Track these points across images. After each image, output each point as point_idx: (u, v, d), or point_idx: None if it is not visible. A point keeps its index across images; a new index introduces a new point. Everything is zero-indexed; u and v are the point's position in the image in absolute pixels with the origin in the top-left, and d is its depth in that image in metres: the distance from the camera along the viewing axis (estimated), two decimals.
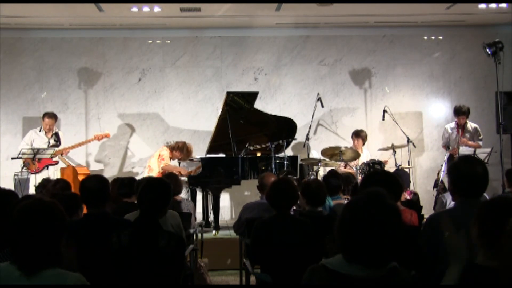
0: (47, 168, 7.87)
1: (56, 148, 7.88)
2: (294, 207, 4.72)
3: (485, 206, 2.11)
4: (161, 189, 3.37)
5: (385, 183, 3.05)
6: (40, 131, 8.12)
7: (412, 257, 2.85)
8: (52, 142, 8.03)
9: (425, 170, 9.34)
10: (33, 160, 7.62)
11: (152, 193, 3.30)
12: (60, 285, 2.15)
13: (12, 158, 7.74)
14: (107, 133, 8.36)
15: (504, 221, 1.97)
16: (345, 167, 8.02)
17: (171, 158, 7.77)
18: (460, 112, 8.17)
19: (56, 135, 8.14)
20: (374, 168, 7.56)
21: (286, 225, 3.77)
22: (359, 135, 8.43)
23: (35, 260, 2.14)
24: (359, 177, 7.31)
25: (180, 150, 7.76)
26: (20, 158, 7.63)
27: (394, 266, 2.00)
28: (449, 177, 3.36)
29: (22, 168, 7.82)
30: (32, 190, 7.48)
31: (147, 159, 8.13)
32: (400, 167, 7.84)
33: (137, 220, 3.34)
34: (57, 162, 7.98)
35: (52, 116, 8.12)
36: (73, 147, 8.10)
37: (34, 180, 7.57)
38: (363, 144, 8.48)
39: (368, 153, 8.51)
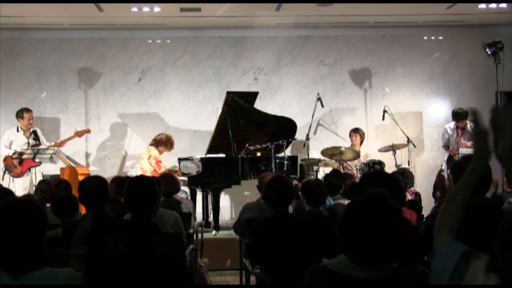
0: (30, 170, 7.68)
1: (56, 149, 7.85)
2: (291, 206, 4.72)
3: (468, 208, 2.10)
4: (146, 186, 3.29)
5: (384, 186, 2.96)
6: (17, 131, 7.90)
7: (413, 256, 2.86)
8: (32, 141, 7.83)
9: (425, 170, 9.33)
10: (15, 163, 7.54)
11: (138, 191, 3.25)
12: (55, 285, 2.12)
13: (13, 159, 7.73)
14: (87, 129, 8.20)
15: (484, 224, 2.00)
16: (342, 167, 7.97)
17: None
18: (458, 117, 8.16)
19: (35, 133, 7.94)
20: (374, 168, 7.53)
21: (284, 224, 3.75)
22: (357, 131, 8.43)
23: (20, 262, 2.09)
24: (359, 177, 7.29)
25: (165, 144, 7.91)
26: (20, 158, 7.61)
27: (395, 268, 2.00)
28: (453, 176, 3.36)
29: (4, 172, 7.63)
30: (18, 193, 7.42)
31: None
32: (400, 167, 7.82)
33: (131, 223, 3.30)
34: (39, 163, 7.77)
35: (30, 110, 7.99)
36: (55, 146, 7.95)
37: (30, 181, 7.54)
38: (361, 143, 8.47)
39: (366, 152, 8.43)
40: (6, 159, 7.69)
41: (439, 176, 5.06)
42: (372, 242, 1.92)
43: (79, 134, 8.07)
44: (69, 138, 8.05)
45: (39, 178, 7.45)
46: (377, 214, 1.94)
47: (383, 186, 2.81)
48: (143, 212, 3.21)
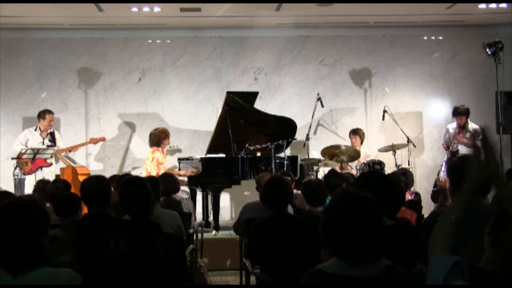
0: (41, 169, 7.72)
1: (56, 148, 7.85)
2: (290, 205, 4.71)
3: (504, 213, 2.11)
4: (139, 186, 3.31)
5: (380, 186, 2.85)
6: (35, 130, 7.98)
7: (413, 256, 2.85)
8: (47, 142, 7.89)
9: (425, 170, 9.33)
10: (26, 161, 7.56)
11: (132, 192, 3.25)
12: (55, 285, 2.12)
13: (12, 158, 7.71)
14: (103, 137, 8.25)
15: None
16: (341, 168, 7.96)
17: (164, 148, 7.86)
18: (457, 113, 8.16)
19: (52, 135, 8.00)
20: (374, 168, 7.52)
21: (284, 224, 3.76)
22: (357, 132, 8.42)
23: (20, 261, 2.09)
24: None
25: (166, 135, 7.78)
26: (21, 158, 7.61)
27: (390, 265, 2.03)
28: (450, 176, 3.32)
29: (15, 168, 7.68)
30: (28, 191, 7.45)
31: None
32: (400, 167, 7.82)
33: (131, 223, 3.30)
34: (50, 164, 7.84)
35: (52, 112, 8.07)
36: (68, 149, 8.01)
37: (34, 180, 7.56)
38: (361, 143, 8.47)
39: (366, 153, 8.43)
40: (19, 156, 7.73)
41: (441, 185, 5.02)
42: (355, 236, 1.96)
43: (94, 141, 8.13)
44: (83, 144, 8.15)
45: (50, 178, 7.47)
46: (350, 208, 2.01)
47: (379, 186, 2.81)
48: (141, 212, 3.22)
